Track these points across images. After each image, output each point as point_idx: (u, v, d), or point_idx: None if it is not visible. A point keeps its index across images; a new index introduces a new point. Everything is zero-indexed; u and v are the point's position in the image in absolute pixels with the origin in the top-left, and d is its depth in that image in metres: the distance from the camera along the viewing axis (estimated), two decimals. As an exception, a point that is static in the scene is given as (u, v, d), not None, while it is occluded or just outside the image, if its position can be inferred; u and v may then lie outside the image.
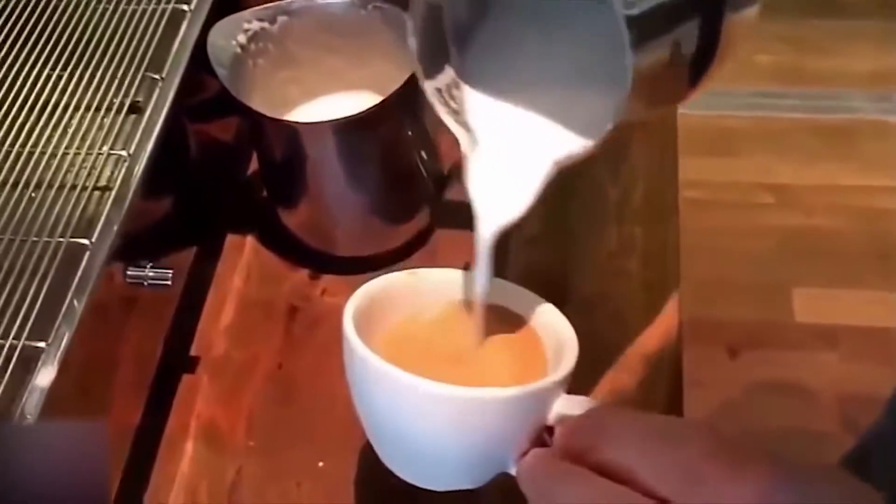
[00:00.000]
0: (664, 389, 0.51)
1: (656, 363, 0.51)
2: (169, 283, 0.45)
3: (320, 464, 0.48)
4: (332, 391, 0.50)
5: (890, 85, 1.56)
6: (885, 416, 0.71)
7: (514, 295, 0.42)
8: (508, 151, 0.38)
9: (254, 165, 0.59)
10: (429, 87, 0.38)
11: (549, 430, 0.36)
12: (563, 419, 0.35)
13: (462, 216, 0.56)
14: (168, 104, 0.47)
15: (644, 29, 0.32)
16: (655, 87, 0.36)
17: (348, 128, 0.49)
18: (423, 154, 0.54)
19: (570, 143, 0.37)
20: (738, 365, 1.26)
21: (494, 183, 0.38)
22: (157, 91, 0.48)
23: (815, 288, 1.33)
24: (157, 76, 0.49)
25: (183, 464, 0.49)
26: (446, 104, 0.39)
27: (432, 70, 0.39)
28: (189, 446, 0.49)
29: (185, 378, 0.52)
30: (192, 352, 0.53)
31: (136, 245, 0.45)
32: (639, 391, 0.50)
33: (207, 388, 0.52)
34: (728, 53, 0.37)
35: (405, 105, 0.50)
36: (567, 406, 0.35)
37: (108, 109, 0.47)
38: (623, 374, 0.51)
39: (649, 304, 0.54)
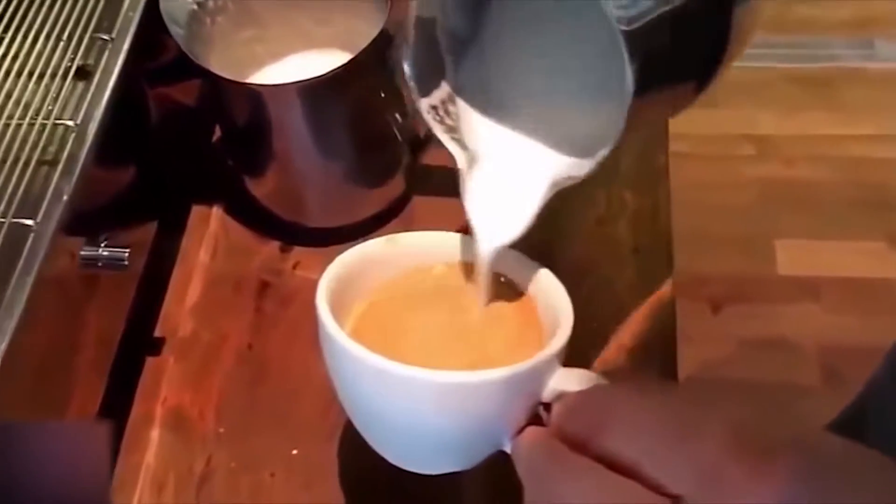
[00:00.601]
0: (657, 356, 0.49)
1: (649, 331, 0.50)
2: (125, 262, 0.42)
3: (294, 451, 0.46)
4: (306, 372, 0.48)
5: (870, 31, 1.55)
6: (881, 370, 0.69)
7: (507, 258, 0.39)
8: (506, 170, 0.37)
9: (219, 132, 0.56)
10: (424, 104, 0.37)
11: (545, 403, 0.33)
12: (560, 395, 0.33)
13: (440, 181, 0.53)
14: (118, 67, 0.44)
15: (644, 42, 0.30)
16: (660, 98, 0.34)
17: (315, 89, 0.46)
18: (397, 116, 0.51)
19: (569, 163, 0.36)
20: (722, 319, 1.26)
21: (492, 201, 0.37)
22: (106, 53, 0.45)
23: (798, 239, 1.32)
24: (106, 37, 0.45)
25: (148, 455, 0.46)
26: (442, 121, 0.38)
27: (427, 86, 0.37)
28: (155, 435, 0.47)
29: (150, 361, 0.49)
30: (157, 333, 0.51)
31: (87, 223, 0.42)
32: (631, 360, 0.48)
33: (174, 371, 0.49)
34: (737, 53, 0.35)
35: (376, 63, 0.47)
36: (564, 381, 0.33)
37: (53, 75, 0.44)
38: (615, 343, 0.49)
39: (640, 270, 0.52)
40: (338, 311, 0.35)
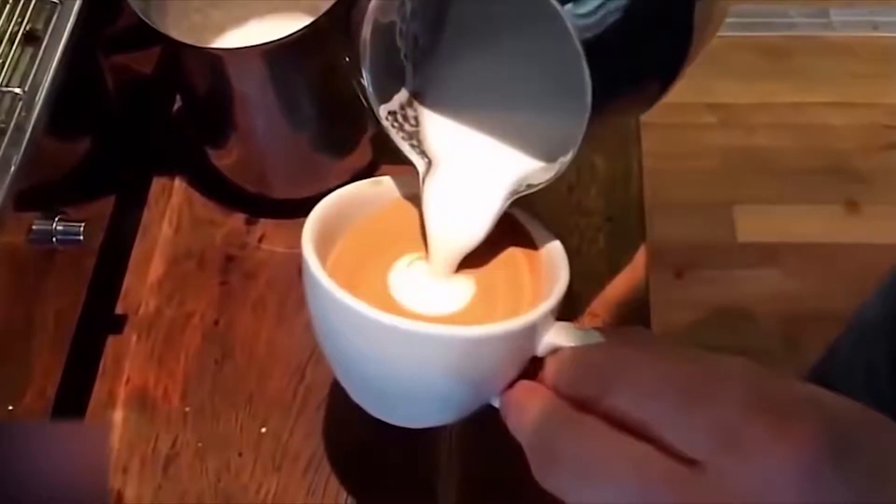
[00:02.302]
0: (631, 325, 0.48)
1: (622, 299, 0.49)
2: (80, 237, 0.40)
3: (263, 430, 0.45)
4: (274, 348, 0.47)
5: (825, 0, 1.55)
6: (845, 336, 0.70)
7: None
8: (465, 177, 0.37)
9: (180, 101, 0.54)
10: (382, 110, 0.37)
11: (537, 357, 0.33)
12: (554, 349, 0.32)
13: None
14: (67, 32, 0.42)
15: (604, 50, 0.30)
16: (621, 103, 0.35)
17: (277, 53, 0.44)
18: (363, 82, 0.49)
19: (529, 171, 0.36)
20: (684, 286, 1.27)
21: (450, 209, 0.36)
22: (55, 17, 0.42)
23: (757, 205, 1.33)
24: (55, 0, 0.43)
25: (112, 437, 0.44)
26: (401, 127, 0.37)
27: (386, 92, 0.37)
28: (118, 416, 0.45)
29: (111, 340, 0.48)
30: (118, 310, 0.49)
31: (39, 196, 0.40)
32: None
33: (136, 350, 0.47)
34: (698, 52, 0.36)
35: (340, 26, 0.45)
36: (559, 336, 0.32)
37: (-1, 40, 0.41)
38: (588, 312, 0.48)
39: (612, 238, 0.51)
40: (323, 259, 0.34)
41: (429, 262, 0.36)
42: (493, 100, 0.38)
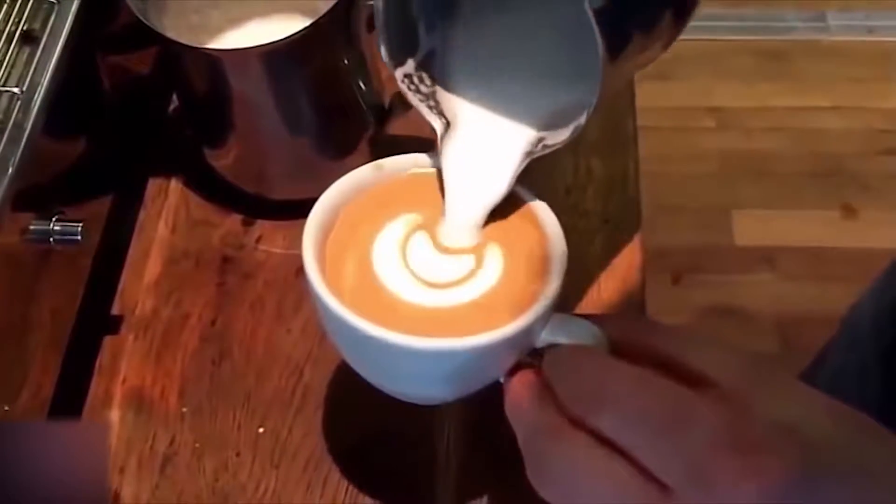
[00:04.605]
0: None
1: (618, 301, 0.49)
2: (78, 237, 0.40)
3: (261, 429, 0.45)
4: (271, 348, 0.47)
5: (822, 4, 1.56)
6: (838, 336, 0.70)
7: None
8: (482, 138, 0.37)
9: (177, 101, 0.54)
10: (398, 73, 0.37)
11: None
12: (552, 344, 0.33)
13: (405, 152, 0.52)
14: (66, 32, 0.42)
15: (615, 19, 0.31)
16: (630, 62, 0.35)
17: (277, 55, 0.44)
18: (361, 83, 0.50)
19: (545, 133, 0.36)
20: (681, 289, 1.27)
21: (469, 168, 0.37)
22: (52, 17, 0.42)
23: (754, 209, 1.34)
24: (52, 0, 0.43)
25: (109, 437, 0.44)
26: (417, 89, 0.38)
27: (401, 54, 0.37)
28: (115, 416, 0.45)
29: (108, 340, 0.48)
30: (115, 311, 0.49)
31: (37, 196, 0.40)
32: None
33: (133, 350, 0.47)
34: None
35: (339, 28, 0.46)
36: (555, 333, 0.33)
37: (-3, 40, 0.41)
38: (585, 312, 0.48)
39: (609, 240, 0.51)
40: (319, 245, 0.35)
41: (445, 227, 0.36)
42: (507, 61, 0.38)
